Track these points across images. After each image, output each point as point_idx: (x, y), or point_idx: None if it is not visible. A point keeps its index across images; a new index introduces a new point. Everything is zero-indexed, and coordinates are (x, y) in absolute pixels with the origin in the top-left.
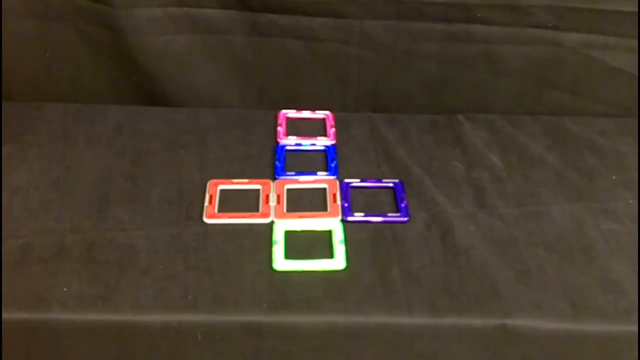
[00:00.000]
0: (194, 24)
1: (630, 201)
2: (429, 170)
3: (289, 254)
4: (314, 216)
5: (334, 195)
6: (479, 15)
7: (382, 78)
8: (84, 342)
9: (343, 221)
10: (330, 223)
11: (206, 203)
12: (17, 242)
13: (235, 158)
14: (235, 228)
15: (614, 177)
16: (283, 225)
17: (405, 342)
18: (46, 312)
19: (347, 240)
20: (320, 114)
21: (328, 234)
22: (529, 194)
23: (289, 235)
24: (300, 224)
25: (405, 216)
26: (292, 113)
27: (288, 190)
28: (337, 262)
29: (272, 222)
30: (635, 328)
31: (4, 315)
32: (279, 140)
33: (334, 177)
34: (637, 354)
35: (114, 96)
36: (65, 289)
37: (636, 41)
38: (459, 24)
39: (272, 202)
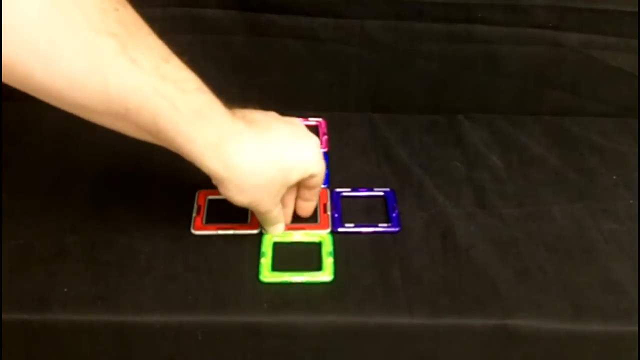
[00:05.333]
0: (194, 24)
1: (631, 201)
2: (429, 170)
3: (277, 266)
4: (303, 228)
5: (324, 205)
6: (479, 15)
7: (382, 78)
8: (84, 342)
9: (332, 232)
10: (320, 235)
11: (194, 214)
12: (17, 242)
13: None
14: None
15: (614, 177)
16: (272, 237)
17: (406, 342)
18: (46, 313)
19: (347, 240)
20: (312, 121)
21: (318, 245)
22: (529, 194)
23: (278, 247)
24: (289, 236)
25: (396, 226)
26: None
27: None
28: (325, 274)
29: (261, 234)
30: (636, 328)
31: (4, 316)
32: None
33: (324, 186)
34: (637, 354)
35: None
36: (65, 290)
37: (636, 41)
38: (459, 24)
39: None
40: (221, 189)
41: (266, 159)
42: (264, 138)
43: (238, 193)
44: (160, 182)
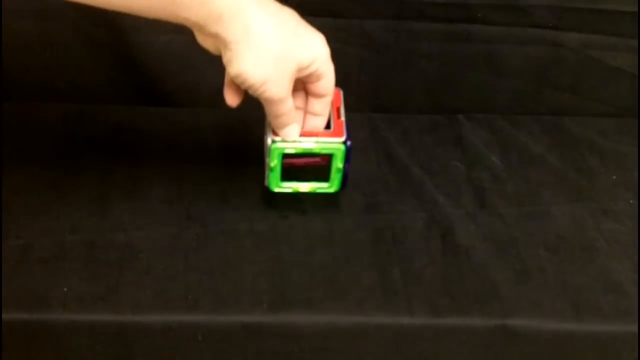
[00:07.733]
0: None
1: (631, 201)
2: (429, 170)
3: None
4: (316, 134)
5: (338, 109)
6: (479, 15)
7: (382, 78)
8: (84, 342)
9: (345, 143)
10: (333, 145)
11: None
12: (17, 242)
13: (236, 159)
14: (236, 227)
15: (614, 177)
16: (282, 148)
17: (406, 342)
18: (46, 312)
19: (347, 240)
20: None
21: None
22: (529, 194)
23: (285, 159)
24: (299, 144)
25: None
26: None
27: None
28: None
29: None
30: (636, 328)
31: (4, 316)
32: None
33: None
34: (637, 354)
35: (114, 96)
36: (65, 289)
37: (636, 41)
38: (459, 24)
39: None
40: (235, 62)
41: (284, 26)
42: (280, 7)
43: (254, 64)
44: (160, 181)
